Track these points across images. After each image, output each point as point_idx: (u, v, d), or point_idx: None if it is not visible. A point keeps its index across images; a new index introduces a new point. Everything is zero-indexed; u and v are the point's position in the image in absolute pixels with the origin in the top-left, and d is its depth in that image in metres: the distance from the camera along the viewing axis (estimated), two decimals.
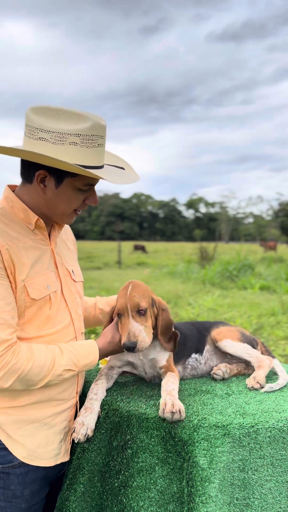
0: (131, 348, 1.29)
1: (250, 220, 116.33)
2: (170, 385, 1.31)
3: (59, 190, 1.24)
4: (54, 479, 1.37)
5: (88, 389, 1.39)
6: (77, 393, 1.38)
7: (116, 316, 1.42)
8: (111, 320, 1.47)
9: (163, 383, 1.34)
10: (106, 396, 1.38)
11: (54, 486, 1.43)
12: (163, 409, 1.19)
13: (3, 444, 1.23)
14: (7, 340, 1.13)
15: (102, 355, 1.37)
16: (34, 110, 1.19)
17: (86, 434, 1.27)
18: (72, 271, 1.45)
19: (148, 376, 1.51)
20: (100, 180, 1.48)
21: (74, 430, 1.29)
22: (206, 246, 18.31)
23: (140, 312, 1.35)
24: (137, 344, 1.29)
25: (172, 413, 1.16)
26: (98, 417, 1.33)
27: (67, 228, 1.59)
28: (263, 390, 1.44)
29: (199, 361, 1.61)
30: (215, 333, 1.64)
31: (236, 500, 1.16)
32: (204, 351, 1.63)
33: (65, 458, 1.34)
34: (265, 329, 6.58)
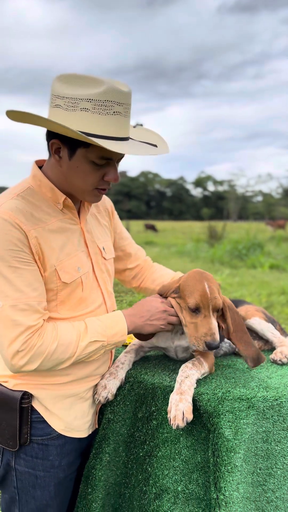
0: (217, 347, 1.23)
1: (259, 198, 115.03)
2: (186, 371, 1.25)
3: (72, 162, 1.16)
4: (84, 449, 1.42)
5: None
6: (109, 368, 1.40)
7: (184, 307, 1.31)
8: None
9: (182, 367, 1.28)
10: (130, 370, 1.40)
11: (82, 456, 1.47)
12: (169, 417, 1.15)
13: (42, 417, 1.25)
14: (33, 326, 1.13)
15: (132, 320, 1.28)
16: (57, 78, 1.13)
17: (106, 397, 1.31)
18: (103, 248, 1.40)
19: (180, 358, 1.47)
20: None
21: (96, 391, 1.33)
22: (214, 225, 18.20)
23: (217, 310, 1.29)
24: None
25: (176, 422, 1.13)
26: (121, 386, 1.36)
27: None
28: None
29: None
30: (242, 311, 1.62)
31: (260, 469, 1.19)
32: None
33: (95, 427, 1.39)
34: (275, 308, 6.60)
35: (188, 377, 1.23)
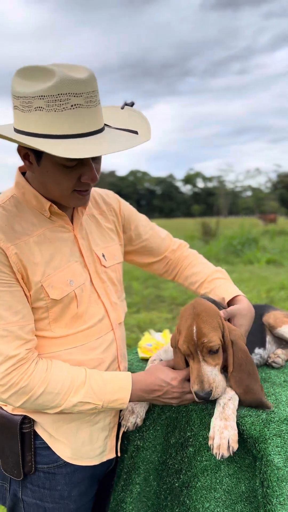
0: (206, 398, 1.07)
1: (249, 193, 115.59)
2: (228, 392, 1.12)
3: (41, 167, 1.04)
4: (102, 476, 1.29)
5: None
6: None
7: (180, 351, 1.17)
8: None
9: None
10: None
11: (101, 483, 1.34)
12: (212, 445, 1.02)
13: (46, 443, 1.13)
14: (14, 356, 1.01)
15: (138, 395, 1.13)
16: (15, 73, 0.98)
17: (135, 423, 1.19)
18: (103, 255, 1.25)
19: None
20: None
21: (123, 417, 1.20)
22: (208, 221, 18.13)
23: (211, 352, 1.11)
24: (212, 392, 1.07)
25: (220, 451, 1.01)
26: (150, 409, 1.23)
27: (104, 198, 1.36)
28: None
29: (263, 357, 1.43)
30: (270, 319, 1.50)
31: None
32: (267, 343, 1.47)
33: (111, 454, 1.24)
34: (276, 303, 6.52)
35: (231, 399, 1.10)
